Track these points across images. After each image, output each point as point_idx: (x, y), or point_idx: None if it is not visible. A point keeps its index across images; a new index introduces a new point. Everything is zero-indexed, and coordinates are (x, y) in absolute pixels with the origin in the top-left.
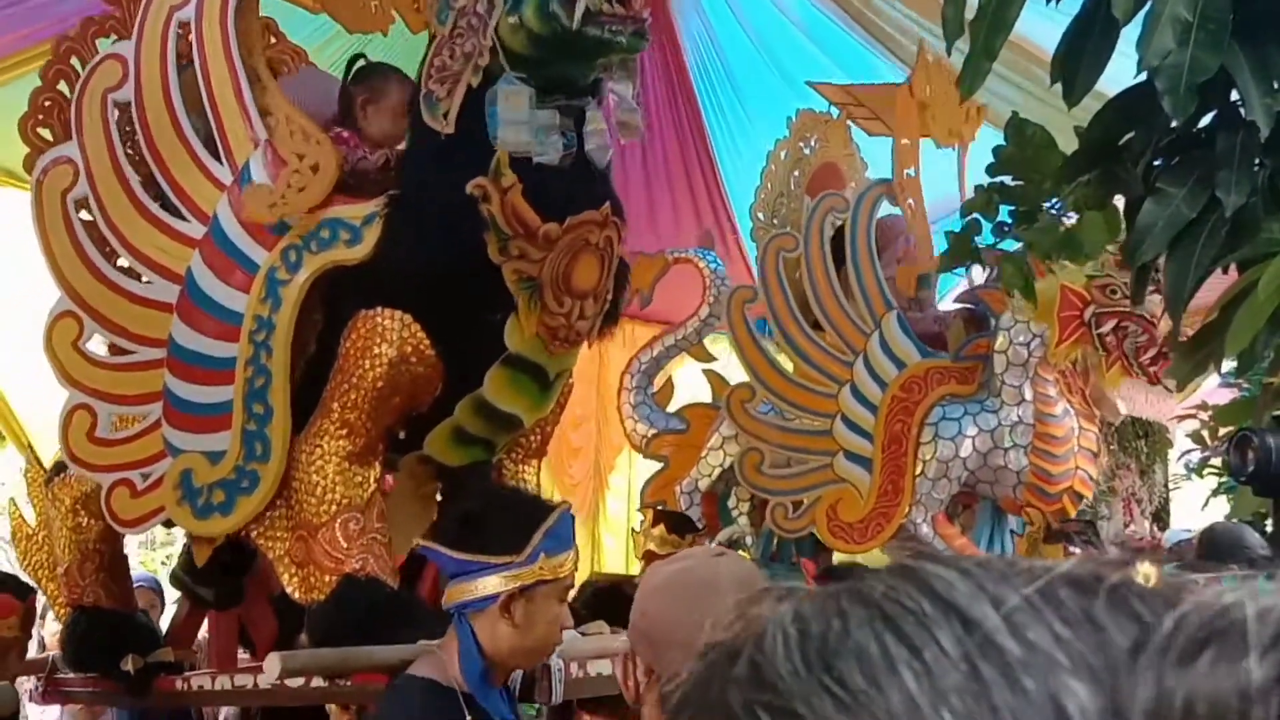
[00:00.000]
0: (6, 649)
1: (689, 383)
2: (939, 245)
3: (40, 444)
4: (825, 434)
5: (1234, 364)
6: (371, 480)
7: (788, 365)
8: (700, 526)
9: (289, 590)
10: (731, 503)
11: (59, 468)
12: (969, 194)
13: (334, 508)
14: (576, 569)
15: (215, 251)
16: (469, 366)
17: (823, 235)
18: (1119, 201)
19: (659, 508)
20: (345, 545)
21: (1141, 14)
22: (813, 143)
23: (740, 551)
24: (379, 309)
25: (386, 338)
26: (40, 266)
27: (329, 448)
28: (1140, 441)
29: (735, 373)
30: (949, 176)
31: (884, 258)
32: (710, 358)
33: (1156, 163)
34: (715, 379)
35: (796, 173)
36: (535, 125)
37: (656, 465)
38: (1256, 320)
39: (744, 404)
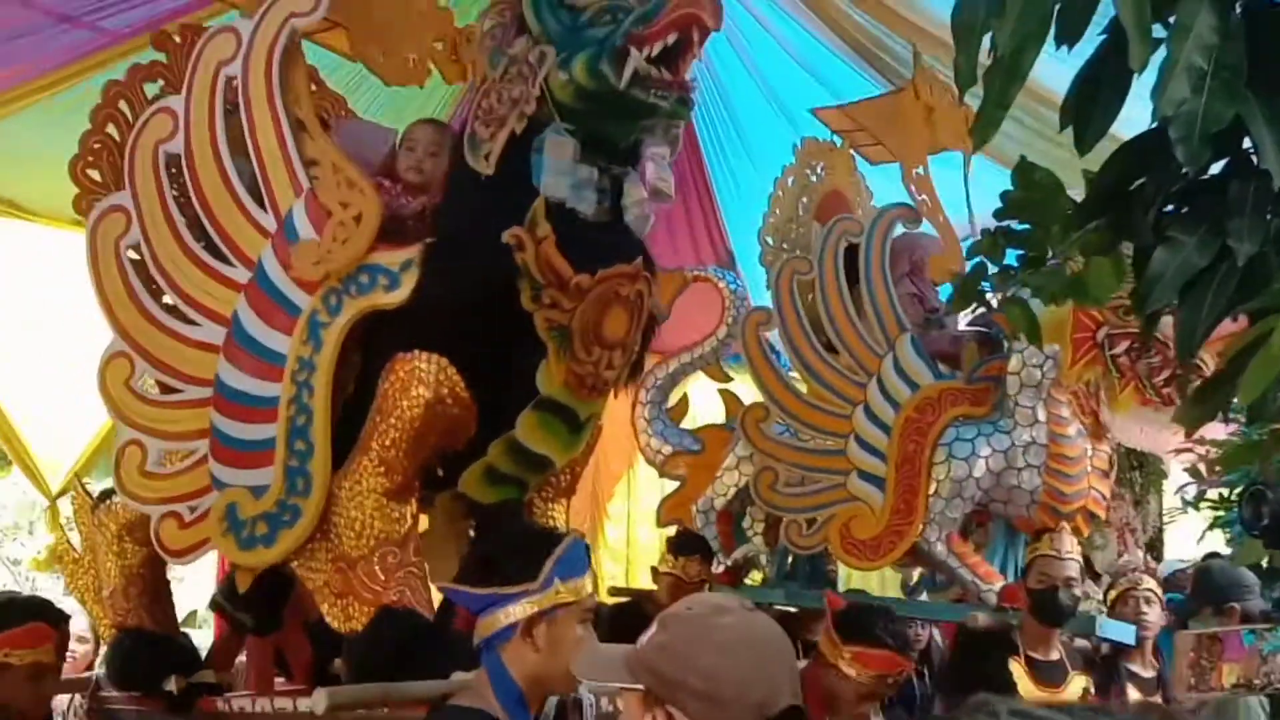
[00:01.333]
0: (42, 673)
1: (701, 399)
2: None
3: (43, 467)
4: (839, 453)
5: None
6: (408, 516)
7: (802, 387)
8: (713, 549)
9: (329, 620)
10: (746, 522)
11: (104, 496)
12: (973, 196)
13: (372, 542)
14: (596, 594)
15: (260, 295)
16: (502, 408)
17: (837, 259)
18: (1126, 247)
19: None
20: (383, 578)
21: (1155, 61)
22: (819, 170)
23: (755, 570)
24: (416, 352)
25: (424, 380)
26: (43, 295)
27: (368, 484)
28: (1135, 472)
29: (749, 392)
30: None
31: (892, 276)
32: (726, 377)
33: (1168, 208)
34: (730, 399)
35: (805, 199)
36: (576, 178)
37: (656, 492)
38: (1269, 372)
39: (759, 424)
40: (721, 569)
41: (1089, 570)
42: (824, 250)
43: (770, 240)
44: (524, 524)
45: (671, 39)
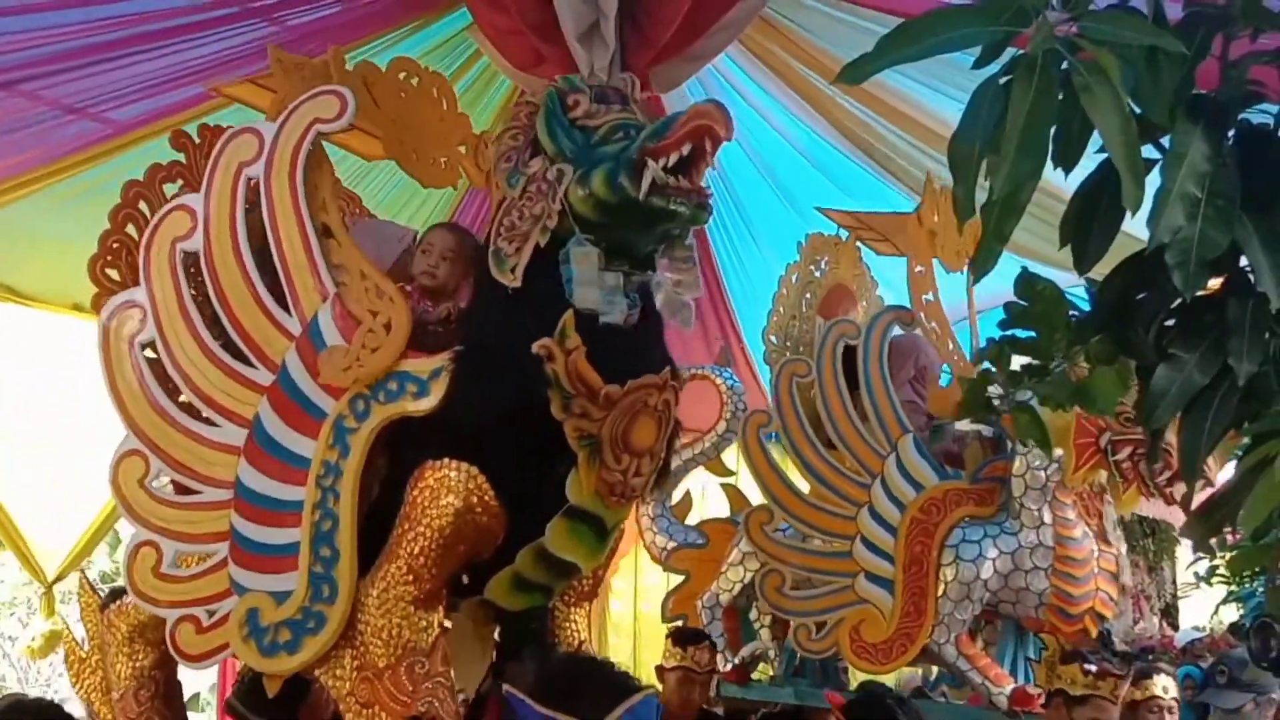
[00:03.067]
0: None
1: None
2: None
3: (38, 552)
4: (845, 555)
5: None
6: (435, 624)
7: (804, 486)
8: (713, 639)
9: None
10: (754, 615)
11: (114, 595)
12: (976, 309)
13: (399, 651)
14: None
15: (283, 399)
16: (530, 516)
17: (835, 360)
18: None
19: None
20: (410, 688)
21: (1150, 182)
22: (823, 265)
23: (763, 664)
24: (446, 460)
25: (453, 489)
26: (39, 379)
27: (395, 593)
28: (1147, 540)
29: (753, 486)
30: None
31: (896, 379)
32: (728, 472)
33: (1169, 323)
34: (733, 493)
35: (808, 295)
36: (604, 287)
37: (659, 570)
38: (1272, 499)
39: (763, 526)
40: (729, 667)
41: (1108, 646)
42: (822, 352)
43: (774, 339)
44: (607, 663)
45: (686, 150)
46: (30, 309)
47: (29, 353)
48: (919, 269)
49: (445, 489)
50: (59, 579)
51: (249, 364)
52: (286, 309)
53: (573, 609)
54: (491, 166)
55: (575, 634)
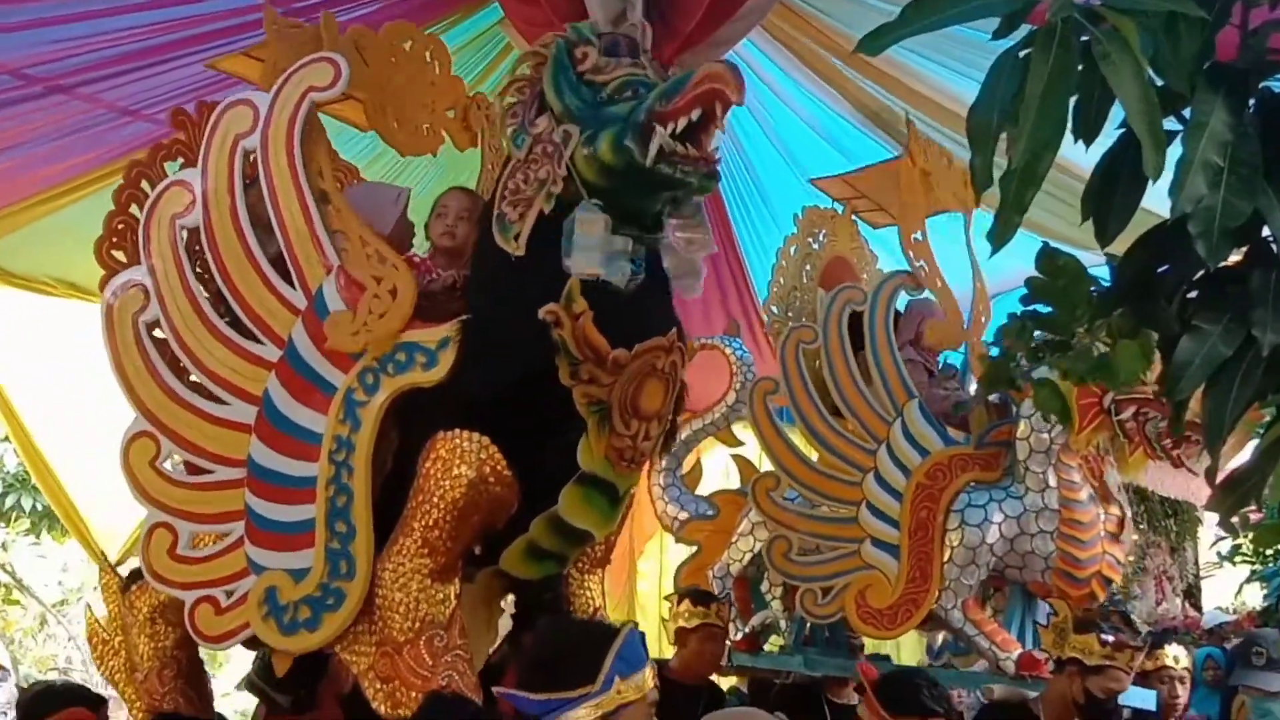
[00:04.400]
0: None
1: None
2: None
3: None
4: (851, 521)
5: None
6: (452, 597)
7: (812, 454)
8: (720, 596)
9: (374, 705)
10: (764, 586)
11: (135, 576)
12: (978, 258)
13: (418, 625)
14: (657, 682)
15: (292, 374)
16: (543, 485)
17: (841, 327)
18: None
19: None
20: (430, 662)
21: (1172, 153)
22: (821, 237)
23: (774, 634)
24: (457, 431)
25: (466, 459)
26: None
27: (411, 565)
28: (1170, 520)
29: (763, 456)
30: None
31: (899, 342)
32: (738, 442)
33: (1191, 295)
34: (744, 464)
35: (808, 267)
36: (609, 250)
37: (686, 549)
38: None
39: (769, 493)
40: (740, 636)
41: (1129, 624)
42: (828, 319)
43: (775, 310)
44: (576, 620)
45: (696, 115)
46: (93, 303)
47: (88, 343)
48: (915, 235)
49: (458, 459)
50: (120, 562)
51: (256, 340)
52: (290, 282)
53: (586, 576)
54: (494, 124)
55: (589, 601)
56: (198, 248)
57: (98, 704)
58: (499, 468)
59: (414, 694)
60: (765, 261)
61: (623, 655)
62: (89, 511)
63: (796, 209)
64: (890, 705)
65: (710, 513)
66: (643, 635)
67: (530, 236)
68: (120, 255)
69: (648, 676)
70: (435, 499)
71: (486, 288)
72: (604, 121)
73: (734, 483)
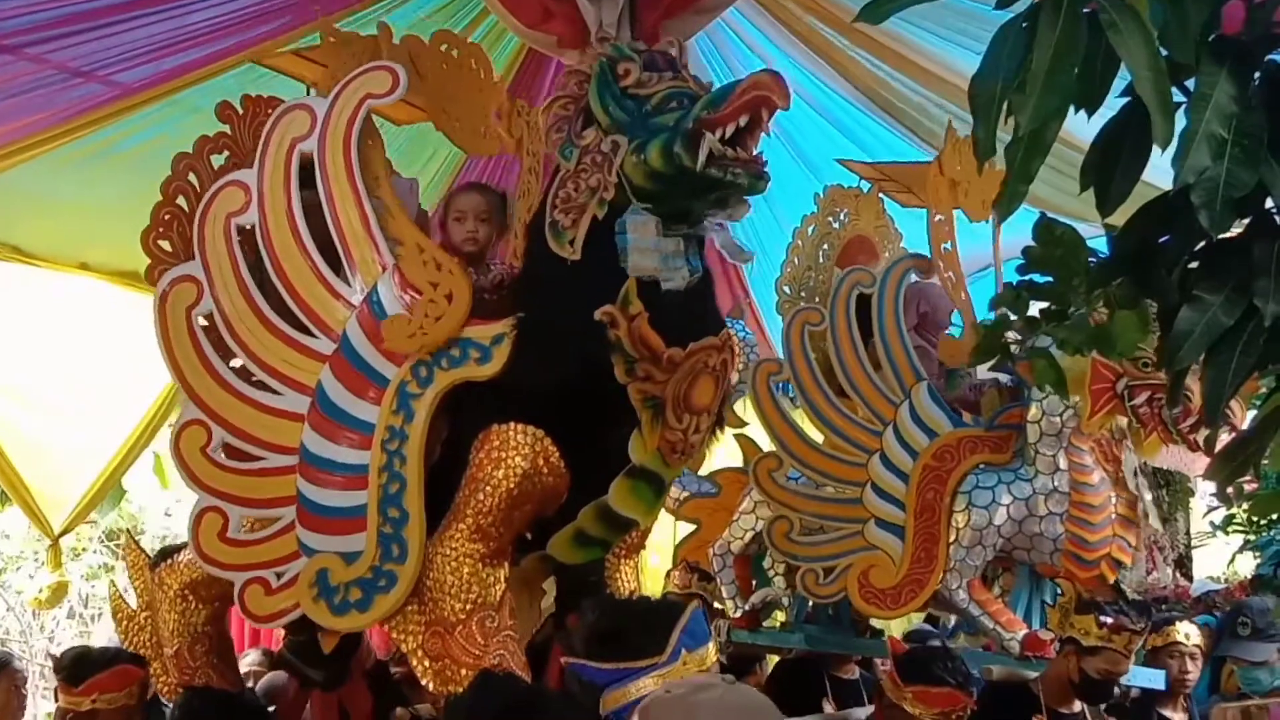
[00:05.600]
0: (127, 717)
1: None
2: (979, 310)
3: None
4: (855, 502)
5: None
6: (502, 580)
7: (816, 436)
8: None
9: (424, 680)
10: (767, 563)
11: (164, 554)
12: (1003, 266)
13: (470, 606)
14: (718, 659)
15: (346, 367)
16: (592, 476)
17: (849, 309)
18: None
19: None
20: (483, 642)
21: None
22: (842, 216)
23: (777, 612)
24: (511, 423)
25: (520, 450)
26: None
27: (463, 550)
28: (1161, 490)
29: (765, 435)
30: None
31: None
32: (741, 422)
33: (1192, 265)
34: (746, 443)
35: (826, 246)
36: (663, 252)
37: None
38: None
39: (771, 473)
40: (739, 613)
41: (1120, 595)
42: (836, 300)
43: (788, 289)
44: (641, 597)
45: (743, 121)
46: (37, 268)
47: (35, 311)
48: (938, 217)
49: (513, 450)
50: (65, 532)
51: (309, 334)
52: (344, 279)
53: (623, 561)
54: (534, 129)
55: (626, 584)
56: (248, 244)
57: (142, 662)
58: (552, 459)
59: (464, 671)
60: (751, 239)
61: (689, 630)
62: (37, 483)
63: (788, 186)
64: (905, 674)
65: (712, 491)
66: (705, 612)
67: (584, 243)
68: (166, 245)
69: (711, 651)
70: (489, 488)
71: (541, 291)
72: (652, 131)
73: (737, 461)
